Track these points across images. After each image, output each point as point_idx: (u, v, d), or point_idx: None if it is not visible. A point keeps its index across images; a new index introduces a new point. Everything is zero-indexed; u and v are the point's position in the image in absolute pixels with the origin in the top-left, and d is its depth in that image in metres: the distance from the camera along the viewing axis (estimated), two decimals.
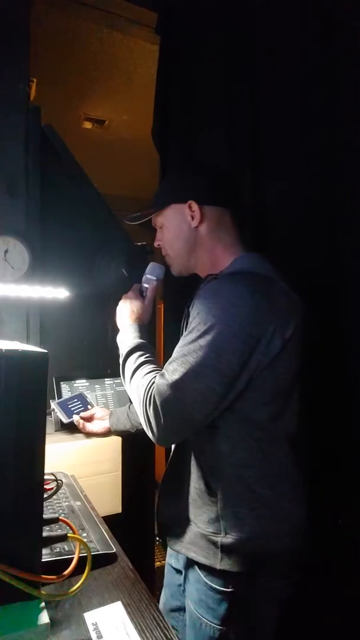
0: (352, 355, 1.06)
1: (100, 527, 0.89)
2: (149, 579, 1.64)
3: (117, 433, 1.31)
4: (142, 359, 0.94)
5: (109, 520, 0.96)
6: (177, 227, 0.99)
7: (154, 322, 1.53)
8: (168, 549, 1.00)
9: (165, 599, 1.08)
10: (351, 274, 1.07)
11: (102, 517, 0.95)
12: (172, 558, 1.06)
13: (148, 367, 0.91)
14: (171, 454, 1.00)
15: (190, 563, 0.92)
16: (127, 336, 1.01)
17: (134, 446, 1.36)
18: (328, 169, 1.11)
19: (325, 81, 1.11)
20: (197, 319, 0.84)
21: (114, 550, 0.81)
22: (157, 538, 0.98)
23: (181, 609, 1.01)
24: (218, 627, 0.86)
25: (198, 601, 0.89)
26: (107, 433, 1.32)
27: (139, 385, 0.89)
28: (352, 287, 1.06)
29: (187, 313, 0.95)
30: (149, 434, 0.86)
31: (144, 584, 0.74)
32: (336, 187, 1.09)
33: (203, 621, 0.87)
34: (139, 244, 1.60)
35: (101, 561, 0.78)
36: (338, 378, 1.08)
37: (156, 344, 1.71)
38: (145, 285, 1.12)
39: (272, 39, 1.26)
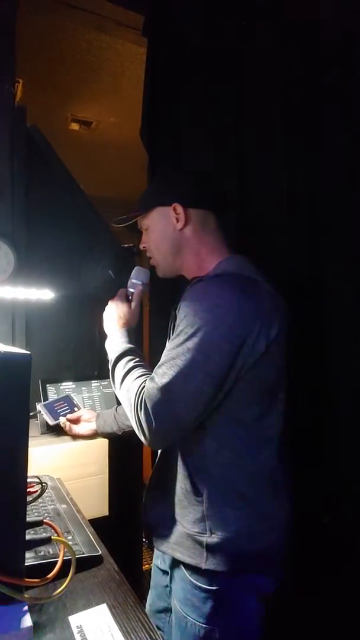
0: (334, 355, 1.07)
1: (86, 529, 0.88)
2: (137, 582, 1.63)
3: (104, 435, 1.31)
4: (131, 363, 0.94)
5: (96, 523, 0.96)
6: (162, 229, 1.00)
7: (141, 324, 1.53)
8: (155, 550, 1.00)
9: (152, 600, 1.08)
10: (333, 275, 1.08)
11: (89, 520, 0.94)
12: (159, 559, 1.06)
13: (138, 372, 0.92)
14: (158, 454, 1.00)
15: (176, 563, 0.93)
16: (115, 341, 1.01)
17: (121, 448, 1.35)
18: (310, 171, 1.13)
19: (308, 83, 1.13)
20: (184, 321, 0.84)
21: (100, 552, 0.80)
22: (144, 539, 0.98)
23: (167, 610, 1.01)
24: (203, 625, 0.86)
25: (183, 600, 0.89)
26: (93, 435, 1.32)
27: (130, 389, 0.89)
28: (333, 288, 1.08)
29: (174, 315, 0.96)
30: (141, 438, 0.86)
31: (129, 585, 0.74)
32: (318, 189, 1.11)
33: (189, 620, 0.88)
34: (126, 245, 1.60)
35: (87, 564, 0.77)
36: (321, 378, 1.10)
37: (143, 346, 1.71)
38: (131, 290, 1.12)
39: (257, 42, 1.28)
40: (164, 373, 0.83)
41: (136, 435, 0.87)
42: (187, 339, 0.82)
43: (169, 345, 0.87)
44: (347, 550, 1.04)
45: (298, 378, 1.04)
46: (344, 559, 1.05)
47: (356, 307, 1.03)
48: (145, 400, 0.83)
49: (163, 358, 0.86)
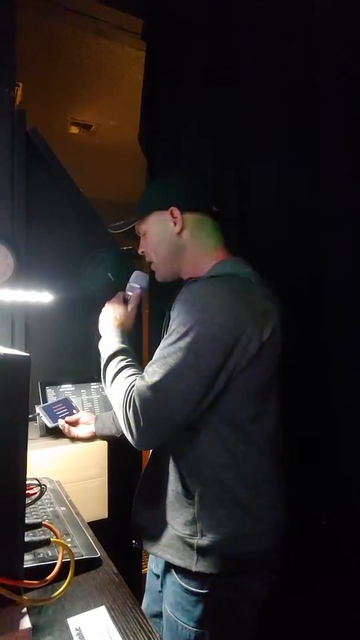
0: (332, 358, 1.07)
1: (85, 532, 0.88)
2: (136, 584, 1.62)
3: (103, 437, 1.31)
4: (123, 363, 0.94)
5: (96, 525, 0.96)
6: (160, 233, 1.00)
7: (140, 330, 1.53)
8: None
9: (146, 604, 1.08)
10: (333, 276, 1.08)
11: (88, 523, 0.94)
12: (153, 563, 1.06)
13: (129, 371, 0.91)
14: (150, 455, 1.00)
15: (167, 567, 0.92)
16: (109, 342, 1.01)
17: (121, 451, 1.35)
18: (311, 172, 1.13)
19: (307, 84, 1.13)
20: (176, 321, 0.84)
21: (99, 554, 0.80)
22: (133, 542, 0.97)
23: (162, 615, 1.01)
24: (194, 629, 0.86)
25: (174, 604, 0.89)
26: (92, 438, 1.32)
27: (119, 388, 0.89)
28: (333, 291, 1.08)
29: (168, 316, 0.96)
30: (129, 437, 0.85)
31: (128, 588, 0.74)
32: (319, 190, 1.11)
33: (179, 624, 0.87)
34: (125, 247, 1.60)
35: (85, 566, 0.77)
36: (318, 380, 1.10)
37: (142, 351, 1.71)
38: (129, 293, 1.13)
39: (256, 45, 1.28)
40: (154, 372, 0.82)
41: None
42: (178, 339, 0.82)
43: (161, 344, 0.87)
44: (346, 551, 1.04)
45: (297, 379, 1.04)
46: (343, 560, 1.05)
47: (356, 308, 1.04)
48: (134, 398, 0.83)
49: (154, 357, 0.86)
